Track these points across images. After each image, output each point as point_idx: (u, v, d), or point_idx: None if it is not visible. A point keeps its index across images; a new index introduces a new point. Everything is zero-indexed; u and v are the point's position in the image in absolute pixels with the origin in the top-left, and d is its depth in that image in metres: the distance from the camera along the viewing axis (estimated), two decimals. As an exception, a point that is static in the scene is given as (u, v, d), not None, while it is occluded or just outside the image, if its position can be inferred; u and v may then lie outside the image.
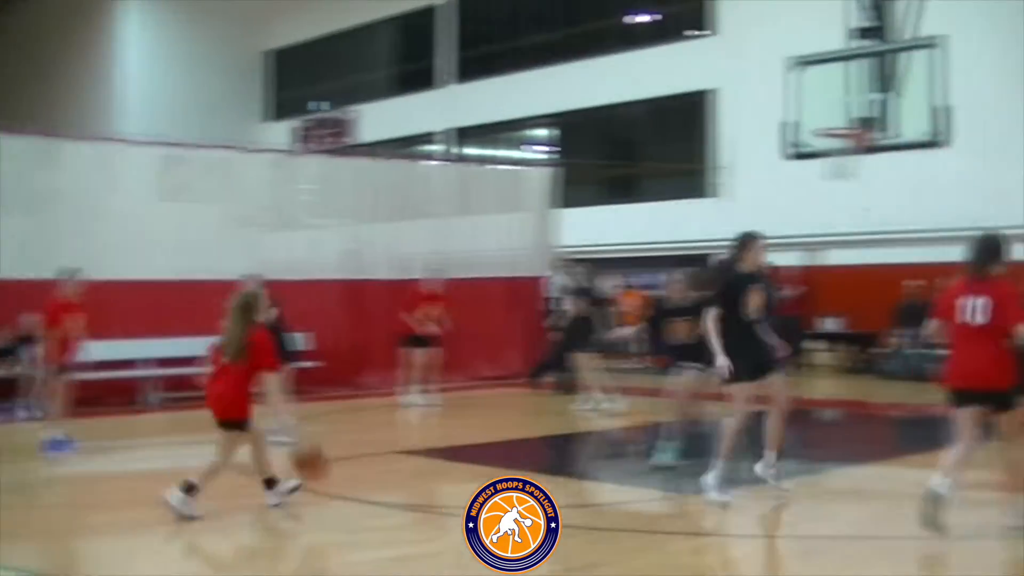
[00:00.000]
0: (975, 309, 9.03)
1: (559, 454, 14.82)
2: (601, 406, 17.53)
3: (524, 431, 16.37)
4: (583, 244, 28.22)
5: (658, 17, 30.05)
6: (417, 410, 18.46)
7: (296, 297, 19.59)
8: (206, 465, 10.07)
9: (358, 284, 22.10)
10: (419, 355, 18.71)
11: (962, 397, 9.20)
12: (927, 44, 16.68)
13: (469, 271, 23.44)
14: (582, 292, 18.09)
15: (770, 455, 10.68)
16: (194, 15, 38.58)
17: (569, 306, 18.07)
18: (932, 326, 9.64)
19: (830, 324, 25.01)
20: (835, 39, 17.95)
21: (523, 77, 32.41)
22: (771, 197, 25.56)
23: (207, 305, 19.71)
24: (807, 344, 24.83)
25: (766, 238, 10.67)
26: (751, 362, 10.32)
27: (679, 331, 12.54)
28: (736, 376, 10.29)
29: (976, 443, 9.24)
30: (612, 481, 12.30)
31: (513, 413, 17.89)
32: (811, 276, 25.20)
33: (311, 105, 40.02)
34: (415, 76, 36.92)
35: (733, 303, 10.29)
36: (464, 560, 8.76)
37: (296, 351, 15.36)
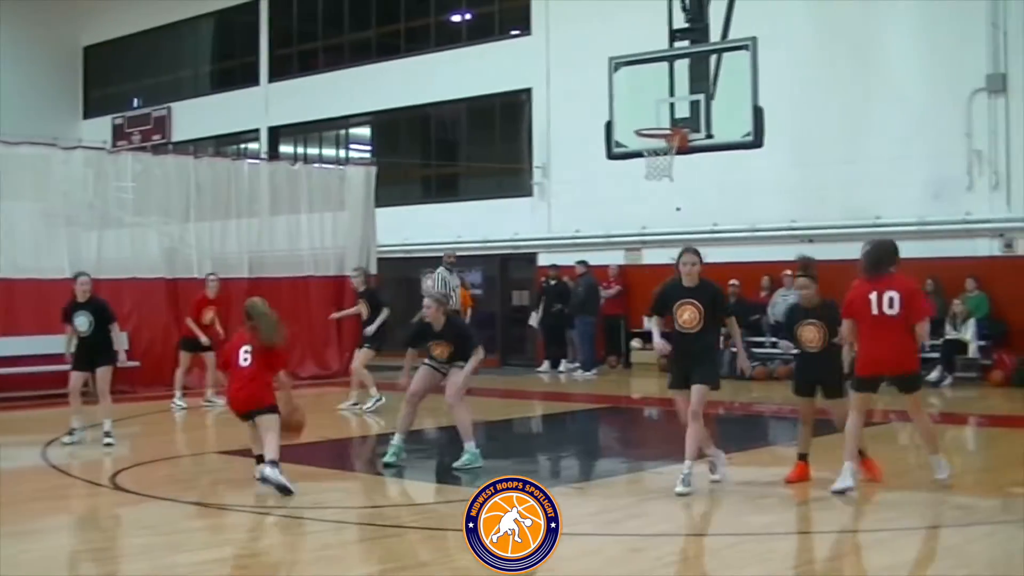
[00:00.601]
0: (887, 302, 10.27)
1: (378, 453, 14.74)
2: (357, 406, 17.78)
3: (341, 431, 16.28)
4: (400, 243, 28.21)
5: (476, 16, 30.04)
6: (218, 409, 18.25)
7: (114, 296, 19.27)
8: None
9: (177, 283, 21.79)
10: (206, 359, 18.63)
11: (871, 382, 10.51)
12: (740, 46, 16.95)
13: (291, 270, 23.33)
14: (363, 295, 18.16)
15: (711, 450, 11.08)
16: (9, 9, 37.41)
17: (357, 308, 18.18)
18: (846, 326, 10.61)
19: (649, 323, 25.26)
20: (660, 40, 18.14)
21: (342, 75, 32.20)
22: (588, 196, 25.83)
23: (25, 304, 19.46)
24: (632, 343, 25.18)
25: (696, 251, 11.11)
26: (678, 371, 11.09)
27: (441, 353, 12.57)
28: (671, 384, 11.19)
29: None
30: (435, 481, 12.28)
31: (332, 412, 17.76)
32: (629, 275, 25.52)
33: (130, 102, 39.27)
34: (234, 72, 36.47)
35: (671, 314, 10.95)
36: (289, 558, 8.75)
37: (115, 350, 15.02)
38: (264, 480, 10.72)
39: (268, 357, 11.20)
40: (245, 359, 11.15)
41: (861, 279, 10.48)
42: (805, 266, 10.96)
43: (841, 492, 10.24)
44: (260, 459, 11.16)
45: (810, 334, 10.87)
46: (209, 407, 18.38)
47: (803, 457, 11.11)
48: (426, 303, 12.59)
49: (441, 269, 21.38)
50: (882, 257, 10.43)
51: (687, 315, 10.79)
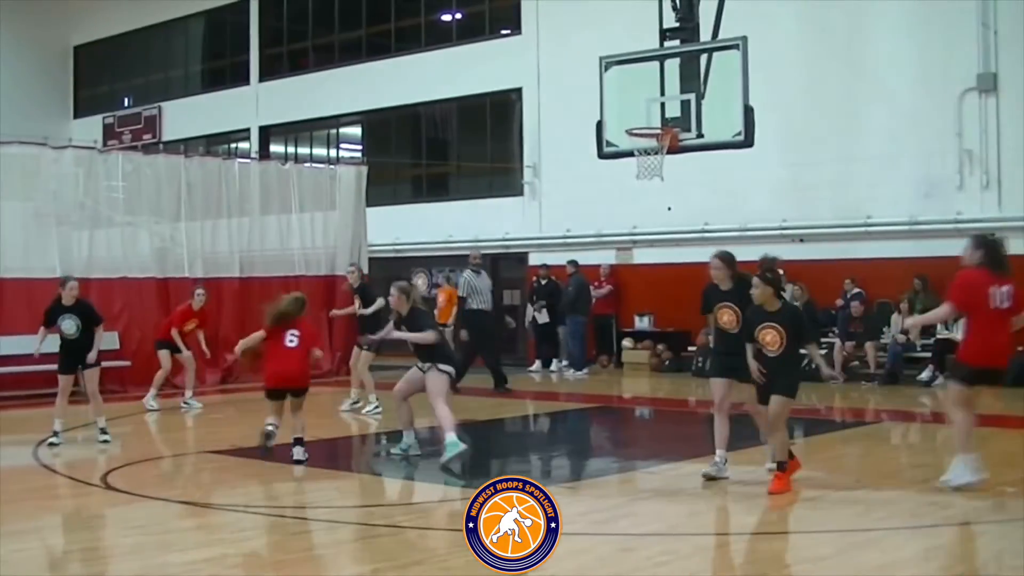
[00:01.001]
0: (1002, 297, 10.55)
1: (367, 453, 14.74)
2: (357, 405, 17.76)
3: (332, 430, 16.23)
4: (391, 243, 28.21)
5: (466, 16, 30.01)
6: (195, 411, 18.27)
7: (105, 295, 19.24)
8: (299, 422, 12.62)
9: (168, 282, 21.76)
10: (183, 360, 18.64)
11: (985, 375, 10.75)
12: (731, 45, 16.93)
13: (282, 269, 23.30)
14: (358, 291, 18.06)
15: (719, 452, 11.37)
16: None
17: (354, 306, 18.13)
18: (951, 311, 11.08)
19: (640, 323, 25.29)
20: (650, 39, 18.13)
21: (332, 74, 32.19)
22: (579, 196, 25.83)
23: (16, 304, 19.43)
24: (624, 343, 25.15)
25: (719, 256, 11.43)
26: (718, 363, 11.52)
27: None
28: (713, 373, 11.63)
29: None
30: (426, 480, 12.25)
31: (321, 413, 17.73)
32: (620, 275, 25.55)
33: (120, 101, 39.22)
34: (224, 72, 36.44)
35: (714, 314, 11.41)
36: (280, 558, 8.74)
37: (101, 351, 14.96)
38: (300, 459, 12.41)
39: (309, 340, 12.77)
40: (292, 341, 12.55)
41: (980, 271, 10.69)
42: (763, 266, 10.77)
43: (959, 487, 10.45)
44: (264, 441, 12.29)
45: (769, 337, 10.60)
46: (186, 409, 18.32)
47: (781, 466, 10.88)
48: (391, 291, 12.77)
49: (468, 272, 21.17)
50: (1003, 252, 10.91)
51: (726, 317, 11.19)
